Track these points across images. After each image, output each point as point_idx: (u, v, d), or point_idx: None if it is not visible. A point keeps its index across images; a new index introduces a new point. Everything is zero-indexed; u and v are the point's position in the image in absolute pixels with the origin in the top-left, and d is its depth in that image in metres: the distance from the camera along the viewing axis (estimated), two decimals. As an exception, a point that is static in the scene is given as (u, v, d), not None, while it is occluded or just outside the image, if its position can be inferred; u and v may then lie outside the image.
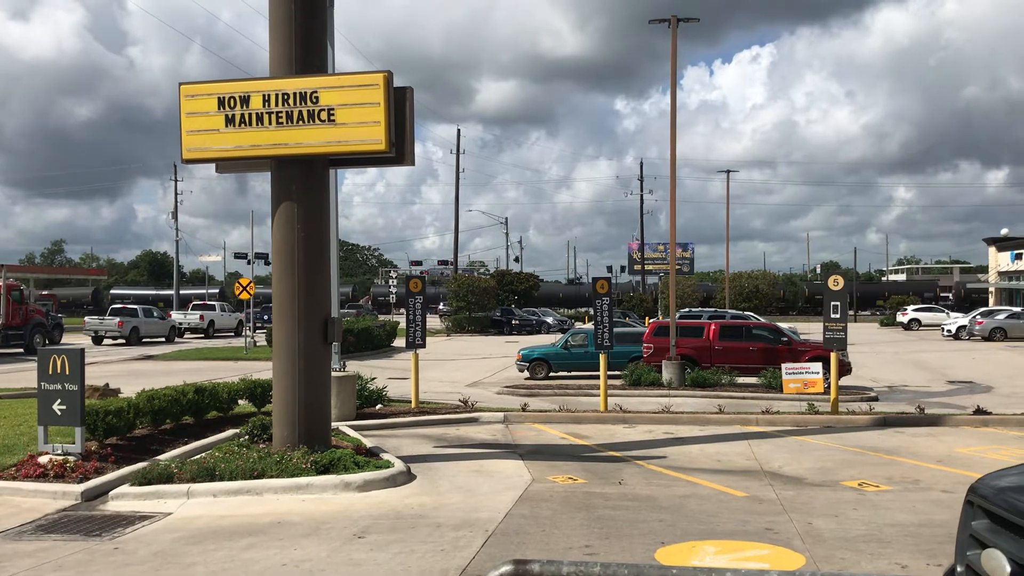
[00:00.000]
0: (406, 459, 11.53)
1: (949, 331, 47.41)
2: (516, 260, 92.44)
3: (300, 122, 11.08)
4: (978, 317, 46.62)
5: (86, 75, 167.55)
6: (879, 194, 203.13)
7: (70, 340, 39.61)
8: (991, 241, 76.42)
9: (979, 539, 4.52)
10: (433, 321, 57.24)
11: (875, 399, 19.50)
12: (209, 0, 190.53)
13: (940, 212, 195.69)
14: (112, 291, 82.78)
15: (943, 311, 59.95)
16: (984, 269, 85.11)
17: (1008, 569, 4.08)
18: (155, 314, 45.73)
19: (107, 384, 17.05)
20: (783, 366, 19.55)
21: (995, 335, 44.61)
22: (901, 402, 19.01)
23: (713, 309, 47.39)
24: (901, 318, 60.27)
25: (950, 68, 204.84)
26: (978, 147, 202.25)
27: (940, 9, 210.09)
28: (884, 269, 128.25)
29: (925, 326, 56.93)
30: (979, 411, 16.07)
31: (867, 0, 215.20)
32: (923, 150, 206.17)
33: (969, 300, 75.08)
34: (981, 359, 32.29)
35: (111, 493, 9.95)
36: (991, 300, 70.55)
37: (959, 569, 4.59)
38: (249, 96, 11.21)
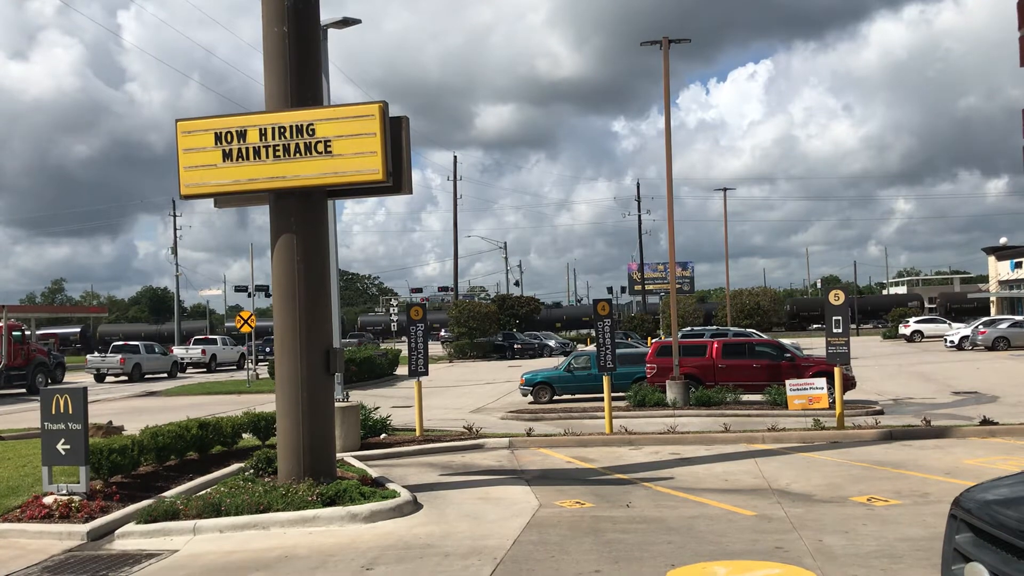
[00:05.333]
0: (412, 488, 11.48)
1: (952, 342, 47.28)
2: (516, 284, 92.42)
3: (297, 155, 11.14)
4: (981, 327, 46.49)
5: (86, 112, 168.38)
6: (879, 207, 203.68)
7: (72, 378, 39.61)
8: (990, 251, 76.31)
9: (963, 553, 4.49)
10: (435, 348, 57.13)
11: (881, 412, 19.42)
12: (206, 35, 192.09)
13: (940, 223, 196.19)
14: (100, 328, 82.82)
15: (945, 322, 59.80)
16: (985, 279, 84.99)
17: None
18: (157, 350, 45.73)
19: (110, 422, 17.00)
20: (787, 382, 19.48)
21: (998, 344, 44.53)
22: (907, 415, 18.93)
23: (715, 327, 47.35)
24: (903, 330, 60.15)
25: (948, 78, 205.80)
26: (977, 157, 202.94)
27: (937, 19, 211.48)
28: (884, 282, 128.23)
29: (928, 337, 56.81)
30: (986, 422, 16.02)
31: (862, 12, 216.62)
32: (922, 161, 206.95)
33: (952, 313, 74.32)
34: (986, 369, 32.20)
35: (117, 532, 9.91)
36: (992, 309, 70.37)
37: None
38: (246, 130, 11.28)
